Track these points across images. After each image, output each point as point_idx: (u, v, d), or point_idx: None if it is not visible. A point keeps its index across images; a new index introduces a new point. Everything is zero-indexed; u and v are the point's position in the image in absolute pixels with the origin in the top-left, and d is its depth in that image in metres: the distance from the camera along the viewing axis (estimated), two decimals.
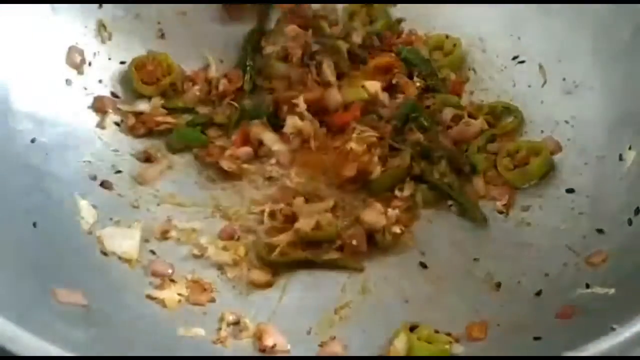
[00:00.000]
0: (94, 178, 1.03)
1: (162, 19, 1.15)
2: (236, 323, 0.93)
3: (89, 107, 1.07)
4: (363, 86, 1.08)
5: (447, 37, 1.15)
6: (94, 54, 1.09)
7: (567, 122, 1.07)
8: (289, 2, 1.17)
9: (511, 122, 1.08)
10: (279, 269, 0.98)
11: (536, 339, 0.87)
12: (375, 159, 1.03)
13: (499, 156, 1.05)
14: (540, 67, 1.11)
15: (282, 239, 0.98)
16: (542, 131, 1.07)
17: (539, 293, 0.93)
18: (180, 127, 1.08)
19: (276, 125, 1.07)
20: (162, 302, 0.93)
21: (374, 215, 0.99)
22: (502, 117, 1.08)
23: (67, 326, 0.83)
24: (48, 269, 0.90)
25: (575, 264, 0.94)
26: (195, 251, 0.99)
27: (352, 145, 1.03)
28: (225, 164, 1.05)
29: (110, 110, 1.08)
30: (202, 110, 1.10)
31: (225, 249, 0.99)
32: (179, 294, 0.95)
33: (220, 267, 0.98)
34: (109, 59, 1.11)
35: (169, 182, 1.05)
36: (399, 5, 1.18)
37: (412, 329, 0.90)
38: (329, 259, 0.98)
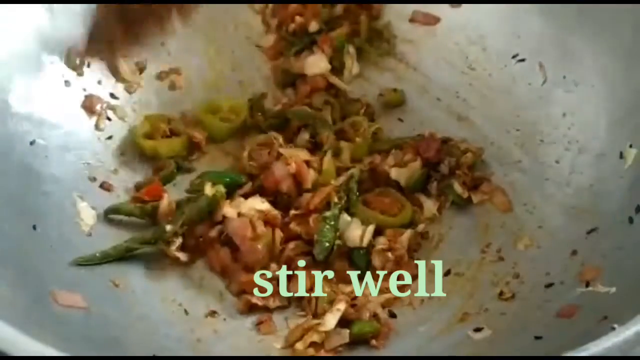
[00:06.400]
0: (94, 179, 1.03)
1: None
2: None
3: None
4: None
5: None
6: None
7: (567, 120, 1.06)
8: (291, 2, 1.17)
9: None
10: None
11: (537, 338, 0.86)
12: None
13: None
14: (540, 65, 1.10)
15: None
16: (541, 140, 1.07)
17: (539, 293, 0.93)
18: None
19: None
20: None
21: None
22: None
23: (67, 328, 0.83)
24: (48, 271, 0.90)
25: (575, 263, 0.94)
26: None
27: None
28: None
29: (99, 109, 1.07)
30: None
31: None
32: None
33: None
34: None
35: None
36: (400, 5, 1.18)
37: None
38: None
